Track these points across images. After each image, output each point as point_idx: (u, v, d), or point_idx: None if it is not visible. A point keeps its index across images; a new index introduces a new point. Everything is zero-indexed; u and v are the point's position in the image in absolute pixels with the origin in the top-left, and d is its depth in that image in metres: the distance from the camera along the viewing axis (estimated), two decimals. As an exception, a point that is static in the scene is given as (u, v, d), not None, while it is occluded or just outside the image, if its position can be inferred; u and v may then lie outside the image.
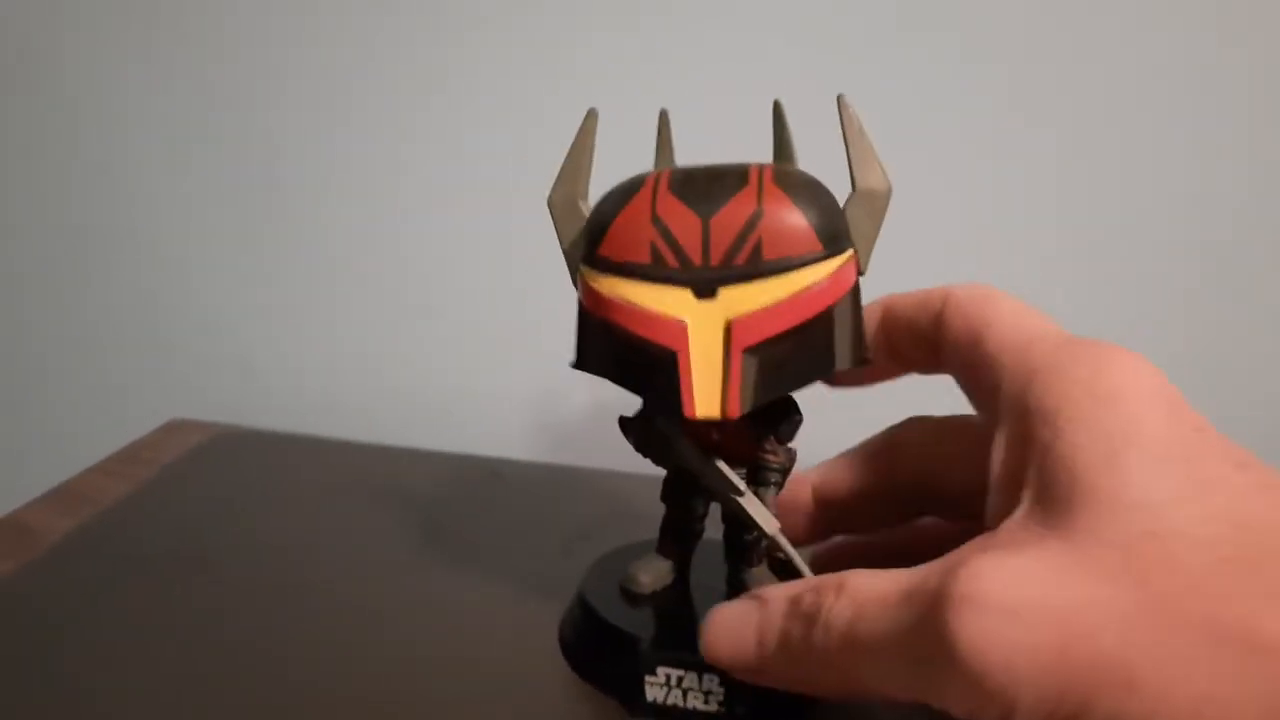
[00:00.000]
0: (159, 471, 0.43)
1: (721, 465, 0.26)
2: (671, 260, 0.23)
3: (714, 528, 0.29)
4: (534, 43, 0.47)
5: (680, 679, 0.26)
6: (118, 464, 0.45)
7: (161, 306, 0.56)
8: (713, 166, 0.25)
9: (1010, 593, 0.18)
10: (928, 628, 0.18)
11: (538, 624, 0.30)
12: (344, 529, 0.38)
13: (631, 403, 0.27)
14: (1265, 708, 0.16)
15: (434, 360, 0.53)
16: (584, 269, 0.25)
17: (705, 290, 0.23)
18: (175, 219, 0.54)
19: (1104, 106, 0.43)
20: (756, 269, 0.23)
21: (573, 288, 0.26)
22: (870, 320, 0.26)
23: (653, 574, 0.29)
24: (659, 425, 0.26)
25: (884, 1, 0.43)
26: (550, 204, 0.26)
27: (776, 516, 0.26)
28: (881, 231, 0.24)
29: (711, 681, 0.25)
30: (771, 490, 0.27)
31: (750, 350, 0.23)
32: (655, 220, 0.24)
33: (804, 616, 0.22)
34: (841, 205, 0.24)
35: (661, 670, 0.26)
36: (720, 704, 0.25)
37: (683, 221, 0.23)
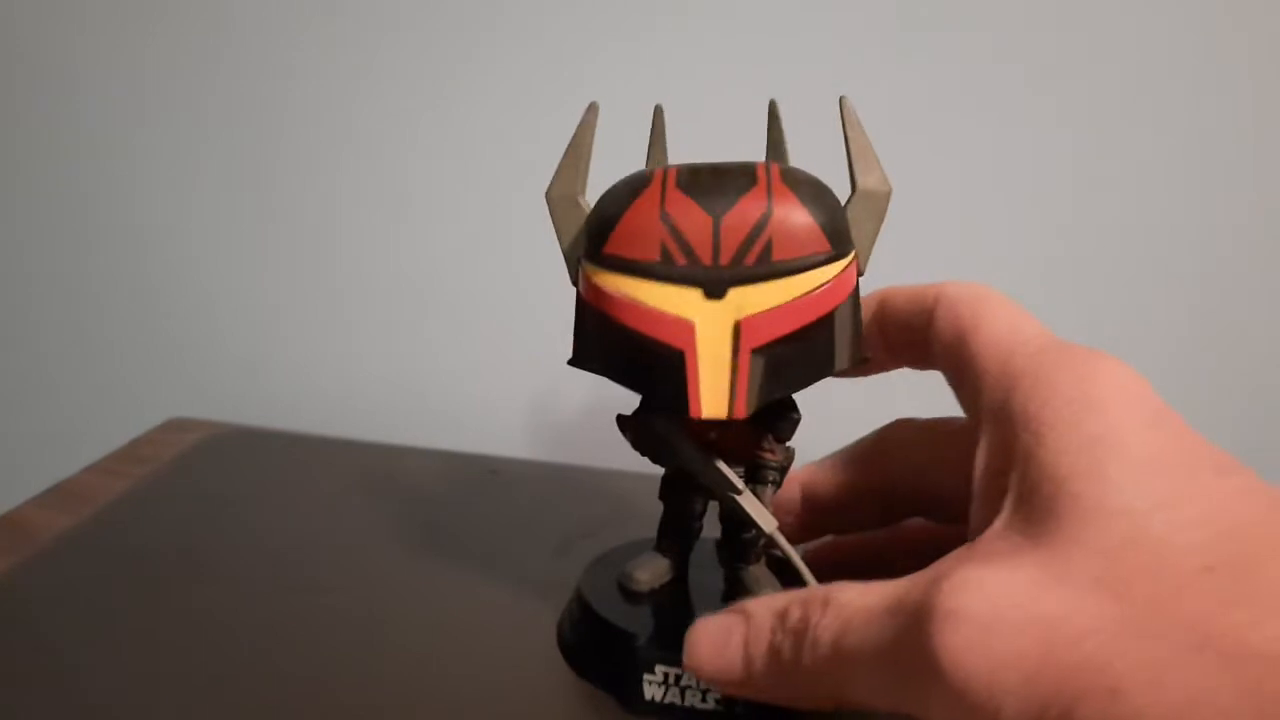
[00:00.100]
0: (158, 470, 0.43)
1: (720, 464, 0.26)
2: (681, 259, 0.23)
3: (712, 526, 0.29)
4: (534, 44, 0.47)
5: (678, 677, 0.26)
6: (117, 462, 0.44)
7: (162, 305, 0.56)
8: (719, 164, 0.24)
9: (992, 605, 0.18)
10: (912, 641, 0.19)
11: (536, 622, 0.30)
12: (343, 527, 0.38)
13: (630, 401, 0.27)
14: (1248, 713, 0.16)
15: (434, 359, 0.53)
16: (587, 265, 0.25)
17: (715, 290, 0.23)
18: (176, 217, 0.54)
19: (1104, 106, 0.43)
20: (766, 270, 0.23)
21: (571, 286, 0.26)
22: (866, 311, 0.26)
23: (651, 572, 0.29)
24: (658, 424, 0.26)
25: (884, 2, 0.43)
26: (549, 199, 0.25)
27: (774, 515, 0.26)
28: (880, 232, 0.24)
29: (710, 680, 0.25)
30: (769, 489, 0.27)
31: (758, 351, 0.23)
32: (664, 218, 0.23)
33: (791, 631, 0.21)
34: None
35: (660, 668, 0.26)
36: (718, 702, 0.25)
37: (693, 220, 0.23)
